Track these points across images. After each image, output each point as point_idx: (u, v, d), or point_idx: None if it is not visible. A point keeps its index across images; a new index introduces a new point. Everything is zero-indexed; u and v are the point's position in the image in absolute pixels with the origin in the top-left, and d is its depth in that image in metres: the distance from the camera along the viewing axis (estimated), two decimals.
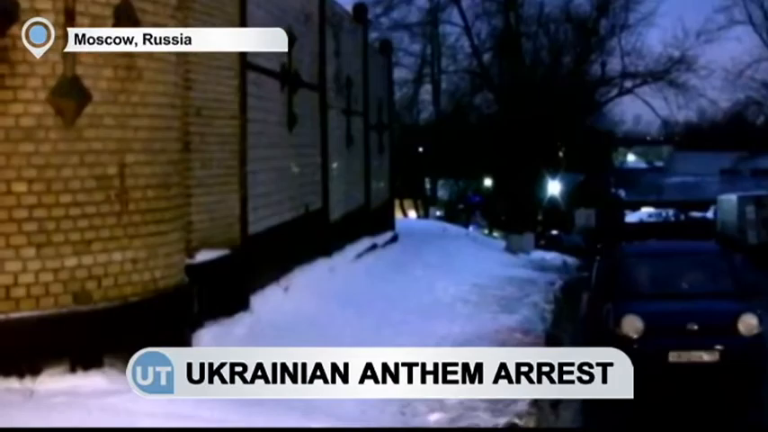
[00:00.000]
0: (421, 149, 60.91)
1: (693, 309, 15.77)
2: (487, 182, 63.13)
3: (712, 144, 65.65)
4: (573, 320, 20.45)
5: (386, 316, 17.53)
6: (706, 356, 14.98)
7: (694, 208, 60.37)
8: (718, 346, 15.02)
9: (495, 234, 54.58)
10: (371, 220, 28.62)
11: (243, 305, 15.14)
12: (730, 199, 43.98)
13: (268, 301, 16.05)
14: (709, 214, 55.24)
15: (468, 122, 58.19)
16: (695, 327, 15.17)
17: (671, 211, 63.33)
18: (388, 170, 33.94)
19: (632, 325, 15.21)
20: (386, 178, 33.55)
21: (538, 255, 39.69)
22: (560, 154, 61.03)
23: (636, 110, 67.44)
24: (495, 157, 56.28)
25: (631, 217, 63.41)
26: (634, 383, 8.21)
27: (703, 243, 24.87)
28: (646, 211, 65.07)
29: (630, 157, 77.45)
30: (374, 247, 26.87)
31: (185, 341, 11.64)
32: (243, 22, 15.65)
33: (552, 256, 40.02)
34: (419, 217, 60.20)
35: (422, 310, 18.74)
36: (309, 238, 20.21)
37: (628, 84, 60.70)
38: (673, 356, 14.93)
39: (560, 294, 25.79)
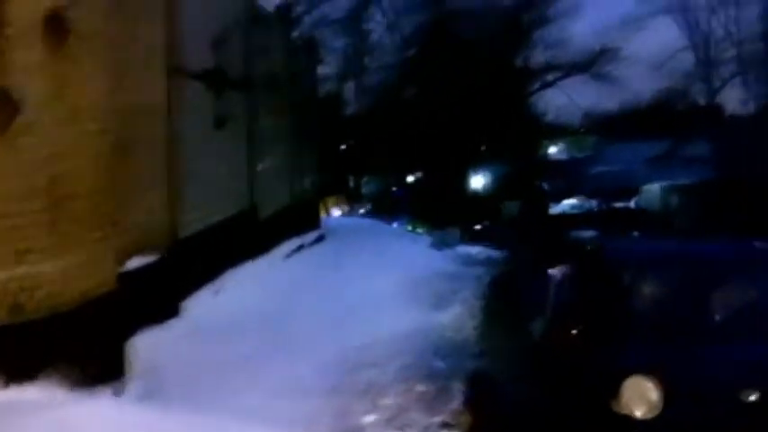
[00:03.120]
0: (345, 146, 60.94)
1: (749, 360, 9.05)
2: (411, 177, 63.32)
3: (636, 134, 66.24)
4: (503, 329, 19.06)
5: (319, 316, 17.52)
6: None
7: (618, 198, 60.79)
8: None
9: (420, 230, 54.74)
10: (298, 219, 28.61)
11: (175, 310, 15.09)
12: (653, 188, 44.40)
13: (200, 305, 16.01)
14: (632, 204, 55.78)
15: (392, 118, 58.27)
16: (754, 396, 8.59)
17: (594, 202, 63.79)
18: (314, 168, 33.94)
19: (640, 395, 8.67)
20: (312, 176, 33.54)
21: (464, 249, 39.79)
22: (485, 147, 61.33)
23: (560, 101, 67.86)
24: (419, 152, 56.46)
25: (555, 208, 63.81)
26: None
27: (746, 243, 12.85)
28: (569, 202, 65.46)
29: (554, 149, 78.03)
30: (302, 246, 26.87)
31: (119, 350, 11.59)
32: (171, 21, 15.61)
33: (478, 251, 40.14)
34: (344, 214, 60.22)
35: (355, 310, 18.67)
36: (239, 239, 20.15)
37: (552, 76, 61.29)
38: None
39: (489, 291, 25.85)
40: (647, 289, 10.60)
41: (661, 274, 10.71)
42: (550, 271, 12.77)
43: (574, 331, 10.39)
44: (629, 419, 8.63)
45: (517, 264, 30.13)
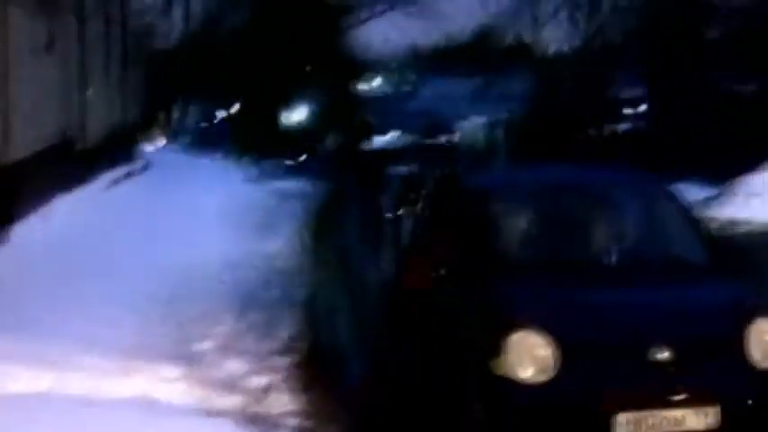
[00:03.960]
0: (170, 73, 60.26)
1: (654, 308, 7.33)
2: (233, 109, 62.89)
3: (459, 69, 66.75)
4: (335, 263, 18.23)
5: (151, 242, 17.43)
6: (692, 421, 6.83)
7: (441, 131, 61.28)
8: (718, 396, 6.90)
9: (244, 159, 54.49)
10: (126, 147, 28.37)
11: (2, 237, 14.88)
12: (476, 122, 44.91)
13: (28, 232, 15.78)
14: (456, 138, 56.25)
15: (216, 46, 57.76)
16: (665, 353, 6.93)
17: (416, 135, 64.31)
18: (139, 98, 33.60)
19: (528, 353, 6.95)
20: (140, 104, 33.22)
21: (287, 180, 39.75)
22: (308, 79, 61.25)
23: (384, 34, 67.84)
24: (242, 82, 56.13)
25: (378, 141, 64.21)
26: None
27: (631, 171, 11.02)
28: (392, 134, 65.90)
29: (377, 82, 78.13)
30: (130, 173, 26.70)
31: None
32: None
33: (298, 184, 40.16)
34: (167, 143, 59.58)
35: (186, 236, 18.56)
36: (67, 165, 19.90)
37: (376, 8, 61.32)
38: (624, 425, 6.78)
39: (315, 220, 25.96)
40: (521, 223, 8.46)
41: (536, 206, 8.62)
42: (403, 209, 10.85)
43: (442, 272, 8.23)
44: (515, 384, 6.94)
45: (346, 197, 30.24)
